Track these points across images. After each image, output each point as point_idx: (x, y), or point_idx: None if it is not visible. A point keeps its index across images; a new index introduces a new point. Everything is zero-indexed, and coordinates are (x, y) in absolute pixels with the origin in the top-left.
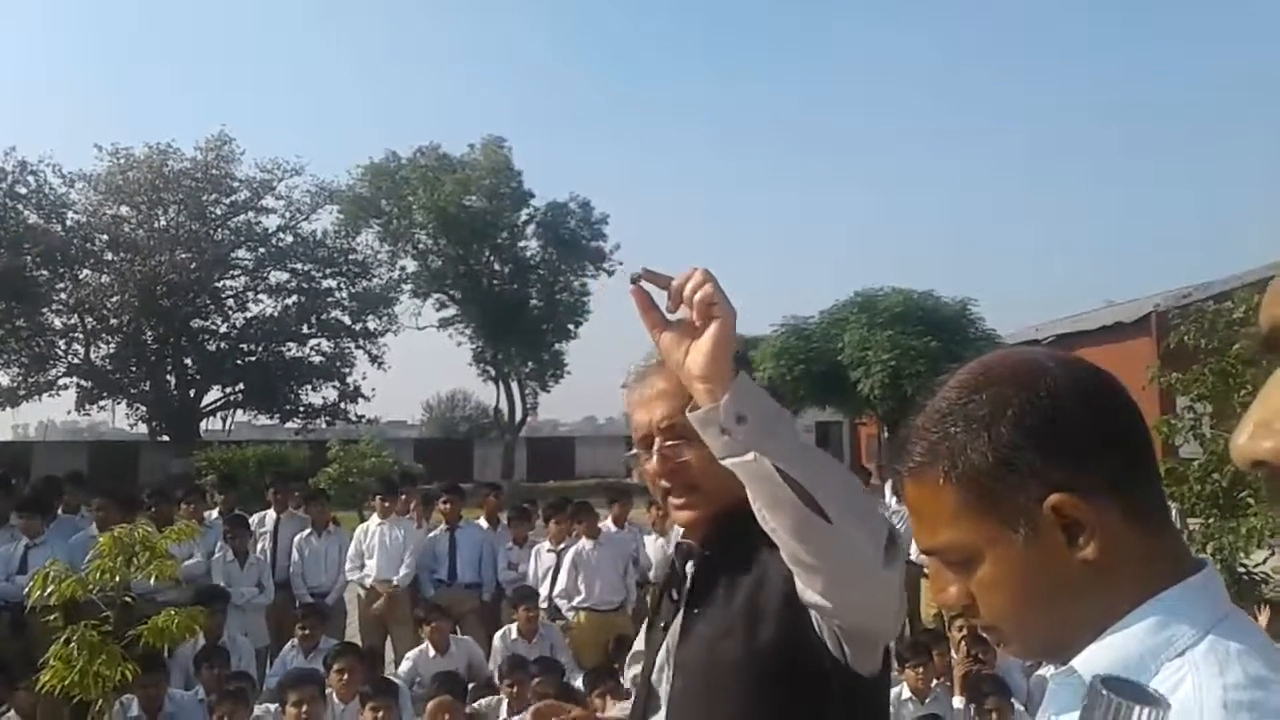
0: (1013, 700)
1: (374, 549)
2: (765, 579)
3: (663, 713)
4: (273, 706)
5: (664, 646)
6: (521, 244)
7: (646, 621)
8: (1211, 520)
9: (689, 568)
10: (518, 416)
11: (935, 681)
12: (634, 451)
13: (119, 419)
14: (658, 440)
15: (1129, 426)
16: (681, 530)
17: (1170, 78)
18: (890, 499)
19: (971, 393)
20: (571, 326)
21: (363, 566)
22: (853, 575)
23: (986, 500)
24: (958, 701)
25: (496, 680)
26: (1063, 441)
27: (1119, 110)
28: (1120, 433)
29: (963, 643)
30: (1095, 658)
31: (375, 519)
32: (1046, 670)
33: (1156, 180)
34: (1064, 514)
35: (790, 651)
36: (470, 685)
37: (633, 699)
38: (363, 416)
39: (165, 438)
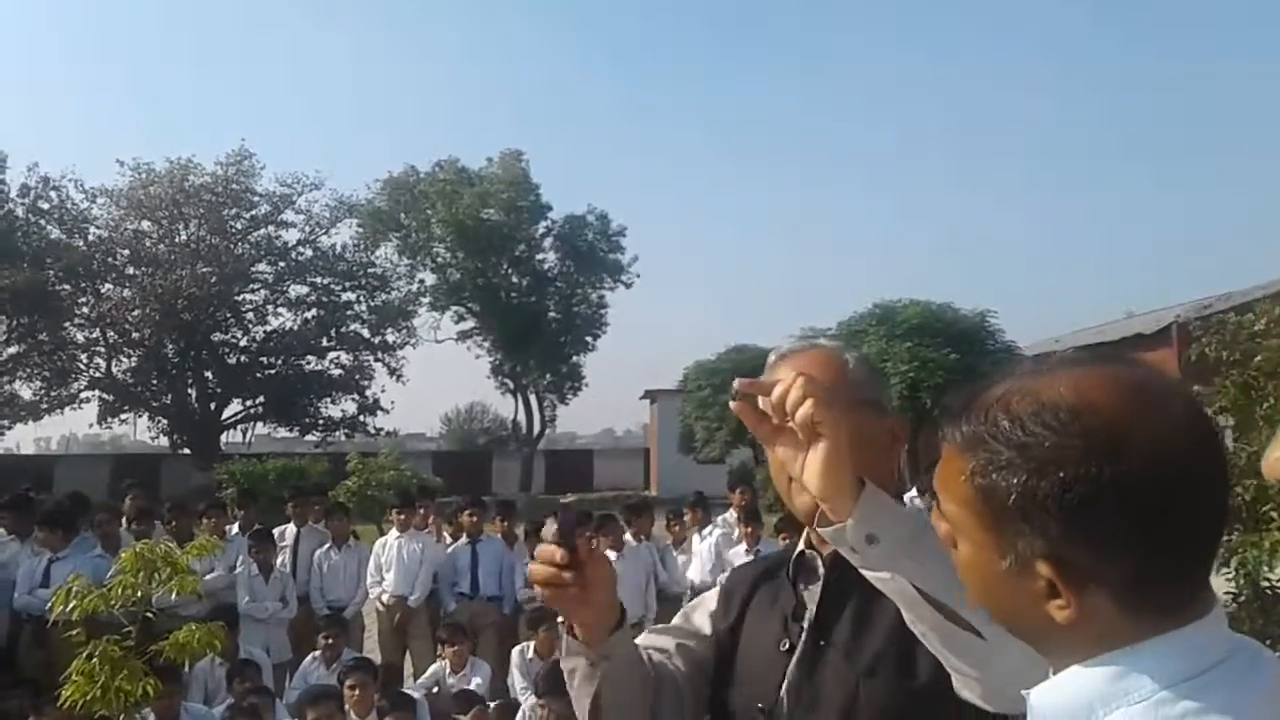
0: None
1: (392, 563)
2: None
3: None
4: None
5: (787, 677)
6: (539, 256)
7: (739, 627)
8: (1235, 535)
9: (814, 585)
10: (536, 429)
11: None
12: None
13: (140, 432)
14: None
15: (1187, 531)
16: (803, 541)
17: (1189, 88)
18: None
19: (1043, 426)
20: (589, 339)
21: (382, 581)
22: (1014, 683)
23: (991, 521)
24: None
25: (515, 693)
26: (1093, 530)
27: (1136, 120)
28: (1168, 541)
29: None
30: (1047, 695)
31: (394, 533)
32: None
33: (1177, 189)
34: (1050, 578)
35: (943, 695)
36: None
37: None
38: (381, 429)
39: (186, 451)
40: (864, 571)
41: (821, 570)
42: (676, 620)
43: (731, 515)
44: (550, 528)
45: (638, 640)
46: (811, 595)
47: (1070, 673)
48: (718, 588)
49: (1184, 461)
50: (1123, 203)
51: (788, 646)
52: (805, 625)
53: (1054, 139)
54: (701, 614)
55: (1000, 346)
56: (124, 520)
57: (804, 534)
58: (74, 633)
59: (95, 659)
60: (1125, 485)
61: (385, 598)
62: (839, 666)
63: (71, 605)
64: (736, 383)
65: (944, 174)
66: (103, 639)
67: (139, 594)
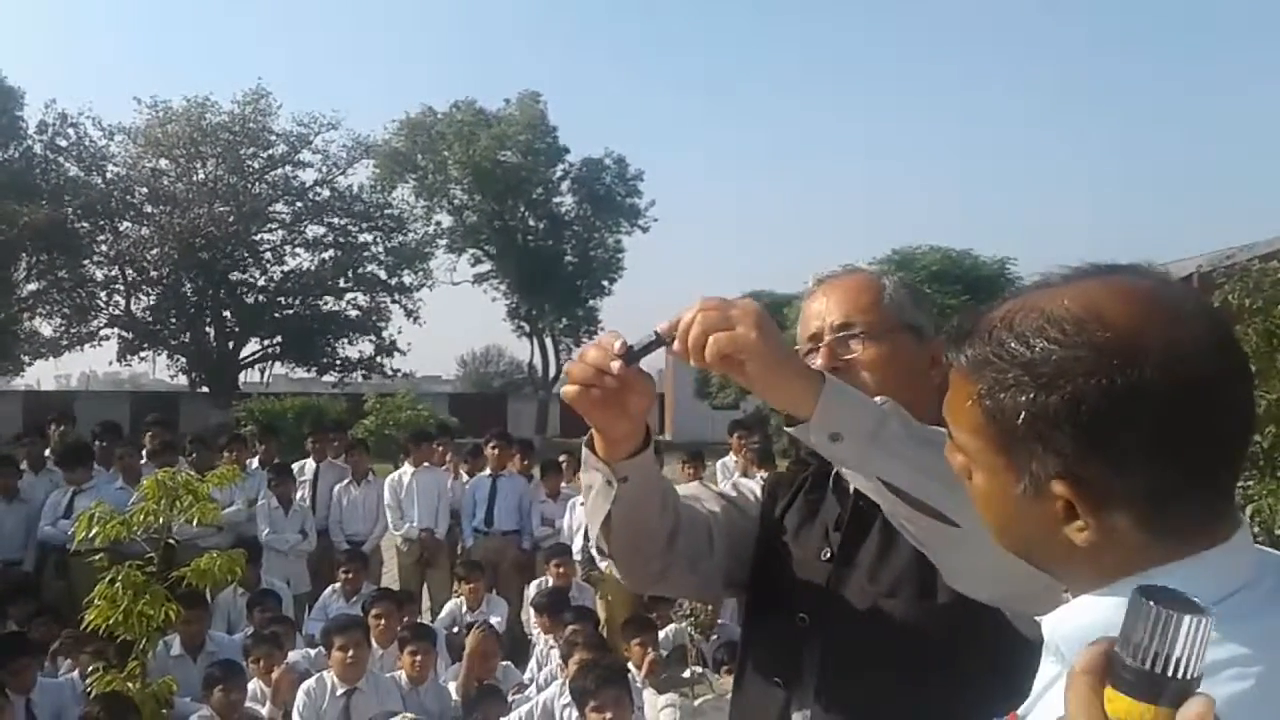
0: None
1: (413, 498)
2: None
3: (815, 663)
4: (311, 651)
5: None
6: (556, 200)
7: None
8: (1251, 482)
9: (848, 502)
10: (551, 372)
11: None
12: (798, 348)
13: (159, 370)
14: (828, 336)
15: (1206, 442)
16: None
17: (1219, 30)
18: None
19: (1050, 340)
20: (606, 283)
21: (403, 516)
22: (997, 575)
23: (1002, 444)
24: None
25: (528, 629)
26: (1106, 445)
27: (1161, 63)
28: (1186, 451)
29: None
30: (1062, 620)
31: (407, 468)
32: None
33: (1198, 138)
34: (1067, 498)
35: (962, 614)
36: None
37: (746, 627)
38: (398, 371)
39: (205, 389)
40: (842, 470)
41: (852, 489)
42: (726, 488)
43: (731, 460)
44: (616, 340)
45: (685, 490)
46: (843, 516)
47: (1084, 599)
48: (759, 480)
49: (1200, 369)
50: (1147, 151)
51: (829, 556)
52: (836, 539)
53: (1079, 86)
54: (748, 493)
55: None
56: (144, 455)
57: None
58: (97, 558)
59: (118, 584)
60: (1140, 395)
61: (407, 530)
62: (863, 585)
63: (94, 532)
64: (659, 326)
65: (966, 117)
66: (125, 564)
67: (160, 521)
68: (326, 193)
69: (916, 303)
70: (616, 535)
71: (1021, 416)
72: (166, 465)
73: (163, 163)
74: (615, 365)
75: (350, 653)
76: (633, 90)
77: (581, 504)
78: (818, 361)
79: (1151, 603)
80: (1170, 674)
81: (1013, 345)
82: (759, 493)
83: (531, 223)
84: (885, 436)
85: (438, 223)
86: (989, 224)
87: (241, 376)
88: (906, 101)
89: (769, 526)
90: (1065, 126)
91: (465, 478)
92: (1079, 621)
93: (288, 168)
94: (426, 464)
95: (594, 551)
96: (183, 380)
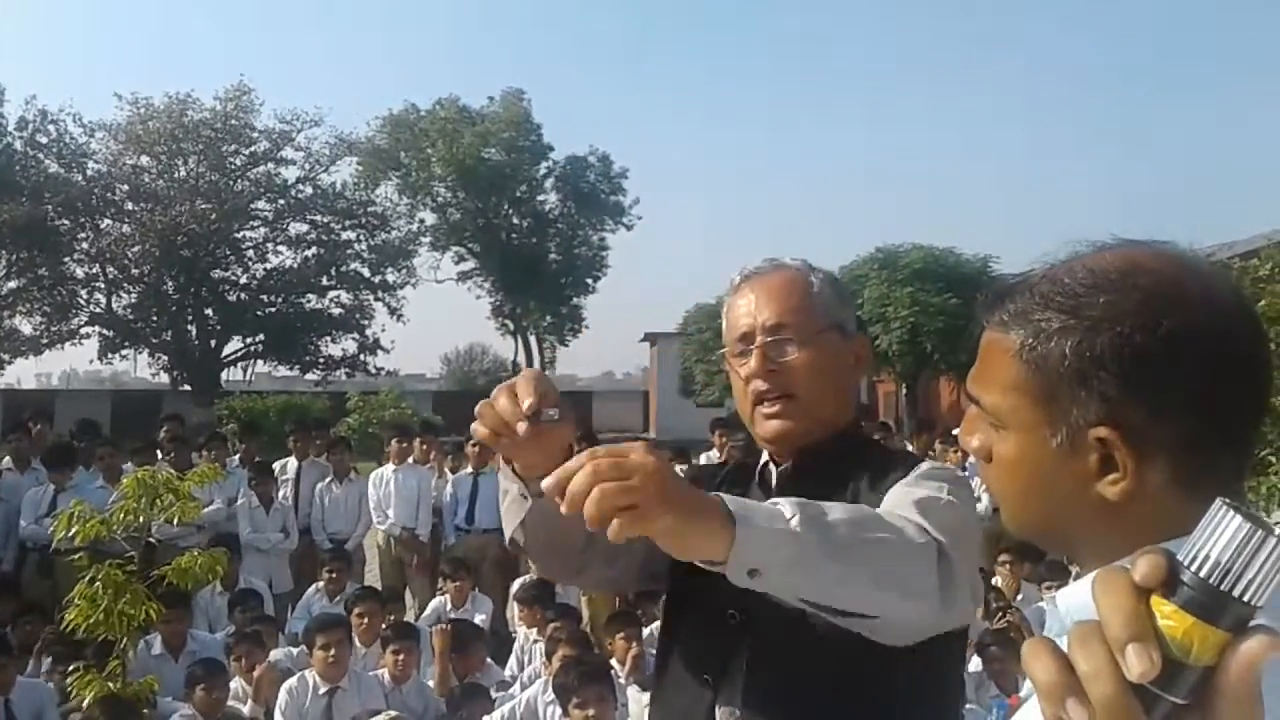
0: None
1: (390, 496)
2: None
3: (744, 661)
4: (294, 650)
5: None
6: (540, 198)
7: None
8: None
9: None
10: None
11: None
12: (724, 350)
13: (141, 368)
14: (759, 338)
15: (1244, 389)
16: (766, 455)
17: (1202, 29)
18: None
19: (1094, 290)
20: (590, 281)
21: (387, 516)
22: (915, 634)
23: (1043, 394)
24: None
25: (513, 627)
26: (1151, 388)
27: (1145, 62)
28: (1223, 402)
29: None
30: (1071, 594)
31: (390, 466)
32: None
33: (1184, 136)
34: (1106, 448)
35: None
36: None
37: (676, 626)
38: (382, 369)
39: (187, 387)
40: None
41: (773, 484)
42: None
43: (715, 456)
44: (528, 398)
45: None
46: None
47: (1092, 575)
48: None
49: (1234, 323)
50: (1129, 151)
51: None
52: None
53: (1066, 87)
54: None
55: None
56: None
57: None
58: (77, 557)
59: (98, 583)
60: (1183, 340)
61: (388, 527)
62: None
63: (74, 530)
64: (544, 484)
65: (949, 117)
66: (105, 563)
67: (140, 520)
68: (309, 190)
69: (841, 300)
70: (531, 539)
71: (1067, 360)
72: (145, 464)
73: (144, 160)
74: (521, 427)
75: (332, 651)
76: (617, 88)
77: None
78: (751, 365)
79: (1239, 515)
80: (1238, 596)
81: (1059, 294)
82: None
83: (515, 220)
84: (805, 558)
85: (421, 220)
86: (971, 222)
87: (224, 375)
88: (892, 102)
89: None
90: (1048, 127)
91: (449, 475)
92: (1087, 593)
93: (270, 165)
94: (410, 461)
95: (507, 544)
96: (164, 379)
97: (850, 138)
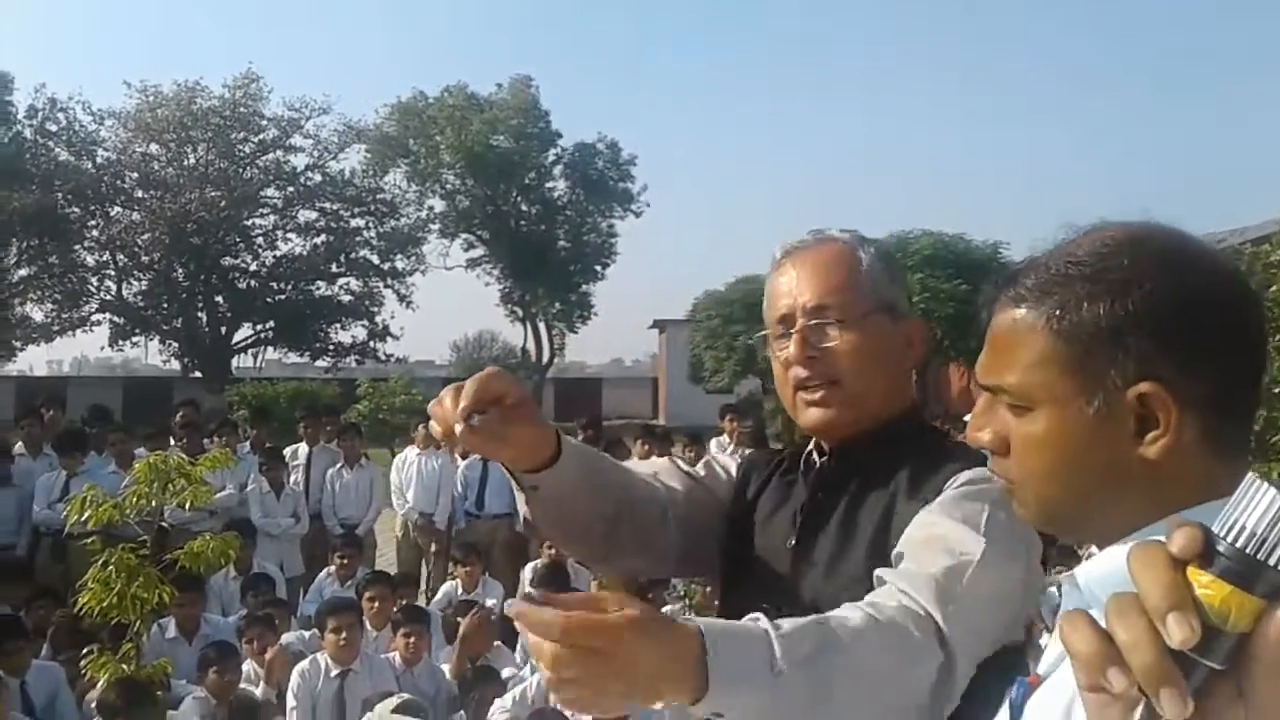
0: None
1: (411, 480)
2: (892, 518)
3: None
4: (306, 633)
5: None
6: (549, 185)
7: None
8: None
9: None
10: (545, 357)
11: None
12: (764, 333)
13: (152, 355)
14: (799, 321)
15: (1251, 350)
16: (812, 444)
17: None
18: None
19: (1113, 255)
20: (599, 268)
21: (406, 499)
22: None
23: (1077, 362)
24: None
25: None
26: (1181, 340)
27: (1154, 47)
28: (1239, 354)
29: None
30: (1092, 568)
31: (413, 450)
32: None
33: (1196, 123)
34: (1146, 405)
35: None
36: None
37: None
38: (391, 355)
39: (198, 374)
40: None
41: (813, 479)
42: (699, 467)
43: (726, 441)
44: (462, 402)
45: (651, 466)
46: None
47: (1114, 547)
48: (736, 458)
49: (1239, 286)
50: (1138, 135)
51: (792, 544)
52: (798, 523)
53: (1077, 71)
54: (720, 471)
55: None
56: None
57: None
58: (90, 542)
59: (111, 566)
60: (1205, 295)
61: (405, 512)
62: (819, 579)
63: (87, 515)
64: (512, 611)
65: (957, 102)
66: (118, 547)
67: (153, 504)
68: (318, 177)
69: (892, 277)
70: (541, 526)
71: (1100, 323)
72: (158, 449)
73: (153, 147)
74: (457, 428)
75: (344, 634)
76: (626, 75)
77: None
78: (790, 350)
79: (1268, 485)
80: (1273, 565)
81: (1078, 264)
82: (733, 471)
83: (524, 207)
84: (778, 710)
85: (430, 207)
86: (981, 209)
87: (234, 362)
88: (902, 88)
89: (740, 508)
90: (1059, 114)
91: (459, 461)
92: (1113, 564)
93: (279, 152)
94: (431, 446)
95: (521, 526)
96: (175, 365)
97: (859, 124)
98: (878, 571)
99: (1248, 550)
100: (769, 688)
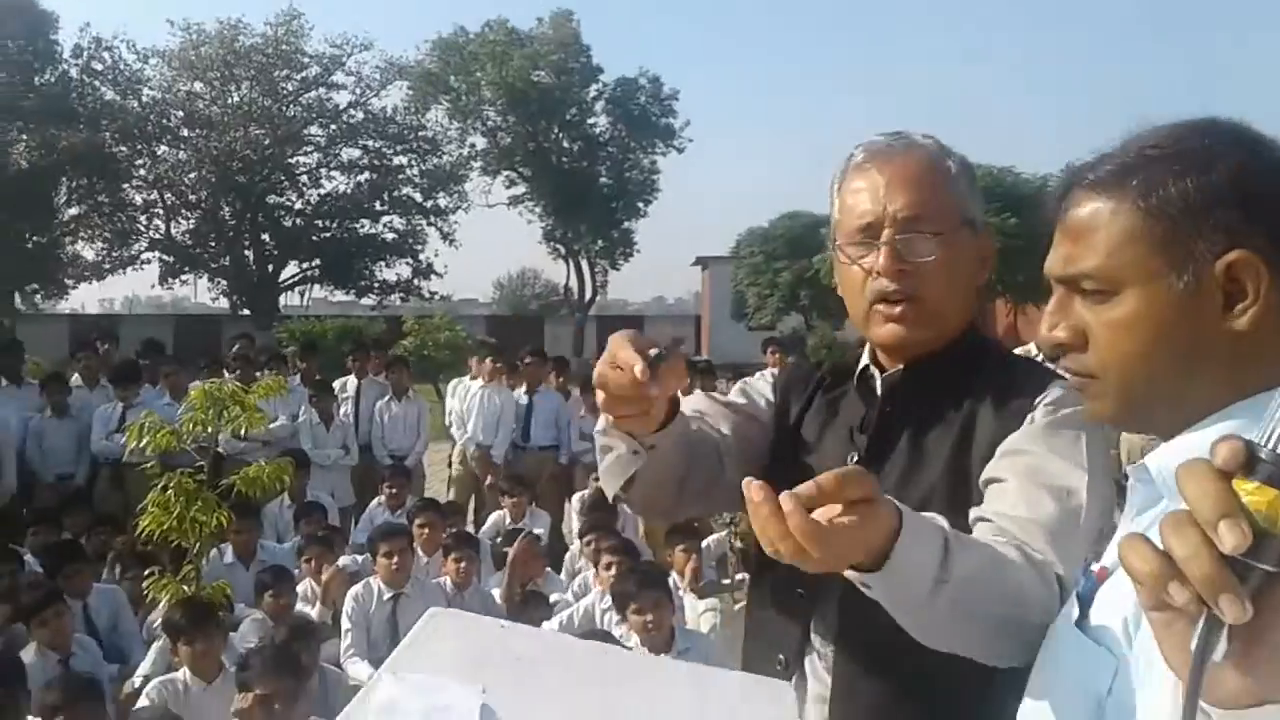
0: None
1: (472, 410)
2: (972, 435)
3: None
4: (359, 557)
5: None
6: (590, 121)
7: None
8: None
9: (873, 410)
10: (587, 294)
11: None
12: (839, 244)
13: (200, 294)
14: (887, 231)
15: None
16: (866, 355)
17: None
18: None
19: (1191, 136)
20: (641, 204)
21: (465, 427)
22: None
23: (1165, 238)
24: None
25: (571, 541)
26: (1268, 209)
27: None
28: None
29: None
30: (1165, 455)
31: (477, 382)
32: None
33: (1249, 47)
34: (1234, 276)
35: None
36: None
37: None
38: (435, 293)
39: (246, 312)
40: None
41: (879, 392)
42: (734, 395)
43: (769, 374)
44: (637, 363)
45: (691, 404)
46: (869, 419)
47: (1185, 435)
48: (769, 377)
49: None
50: (1196, 64)
51: (855, 460)
52: (863, 443)
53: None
54: (758, 396)
55: None
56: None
57: (867, 348)
58: (149, 466)
59: (170, 491)
60: (1277, 166)
61: (464, 441)
62: (890, 496)
63: (145, 441)
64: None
65: (1007, 35)
66: (177, 471)
67: (209, 430)
68: (360, 115)
69: (974, 189)
70: (637, 495)
71: (1190, 198)
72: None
73: (197, 86)
74: (654, 391)
75: (395, 559)
76: (668, 9)
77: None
78: (880, 261)
79: None
80: None
81: (1159, 147)
82: (770, 394)
83: (566, 144)
84: (923, 611)
85: (472, 145)
86: (1031, 140)
87: (281, 300)
88: (954, 19)
89: (783, 430)
90: (1111, 43)
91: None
92: (1180, 451)
93: (321, 90)
94: (496, 381)
95: (609, 499)
96: (224, 304)
97: (906, 55)
98: (979, 510)
99: None
100: (927, 592)
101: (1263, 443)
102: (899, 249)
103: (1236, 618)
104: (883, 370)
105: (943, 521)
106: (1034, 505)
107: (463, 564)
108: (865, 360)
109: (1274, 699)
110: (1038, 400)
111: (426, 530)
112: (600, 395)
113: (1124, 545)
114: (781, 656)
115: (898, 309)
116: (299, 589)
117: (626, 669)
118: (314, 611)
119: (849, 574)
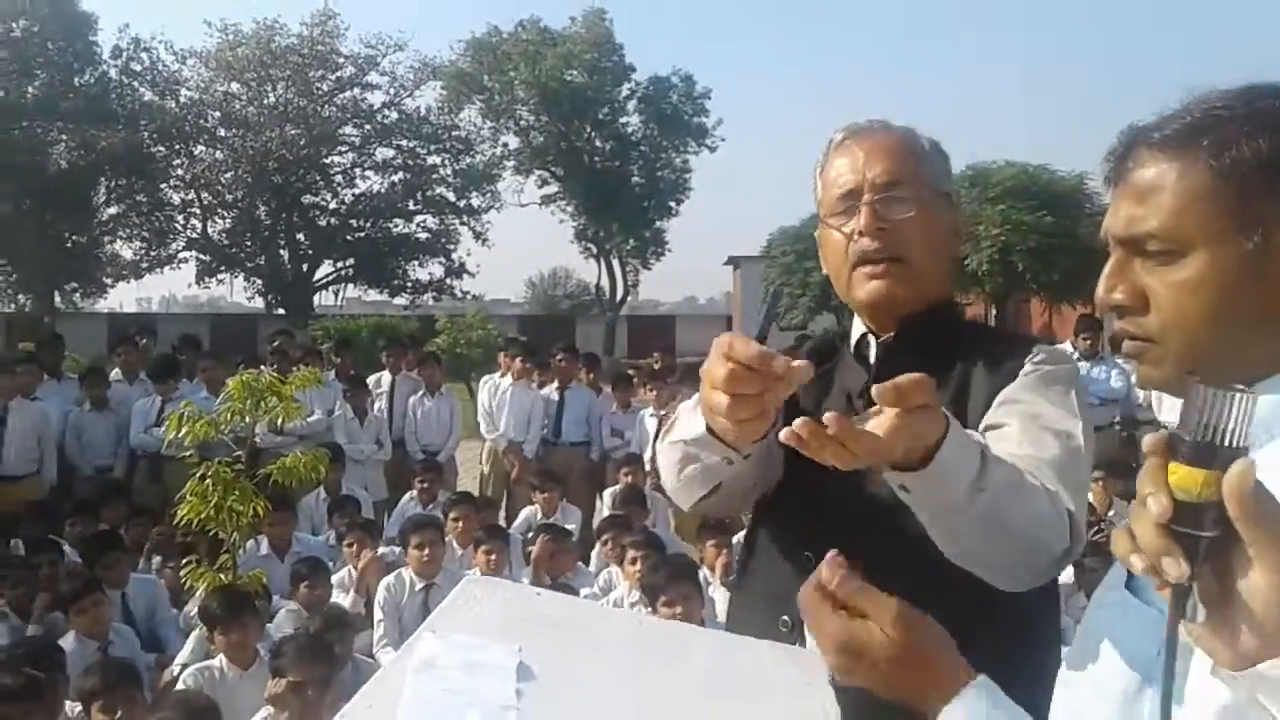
0: None
1: (504, 407)
2: (968, 392)
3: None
4: (396, 548)
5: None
6: (623, 120)
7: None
8: None
9: (871, 370)
10: (619, 294)
11: None
12: (823, 217)
13: (236, 293)
14: (868, 195)
15: None
16: (861, 328)
17: None
18: None
19: (1261, 97)
20: (673, 204)
21: (497, 424)
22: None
23: (1235, 197)
24: None
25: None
26: None
27: None
28: None
29: None
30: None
31: (508, 379)
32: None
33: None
34: None
35: None
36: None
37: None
38: (468, 293)
39: (281, 311)
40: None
41: (873, 360)
42: None
43: None
44: (749, 343)
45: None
46: (867, 385)
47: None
48: None
49: None
50: (1225, 60)
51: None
52: (857, 405)
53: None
54: None
55: (1098, 210)
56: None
57: (856, 321)
58: (187, 454)
59: (208, 480)
60: None
61: (495, 439)
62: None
63: (184, 431)
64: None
65: (1046, 33)
66: (215, 461)
67: (246, 420)
68: (394, 115)
69: (947, 167)
70: (711, 501)
71: (1263, 158)
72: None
73: (234, 86)
74: (799, 364)
75: (426, 550)
76: (700, 7)
77: (651, 415)
78: (861, 221)
79: (1205, 385)
80: (1222, 443)
81: (1227, 109)
82: None
83: (598, 143)
84: (957, 514)
85: (504, 144)
86: (1066, 138)
87: (316, 299)
88: (988, 18)
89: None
90: (1147, 38)
91: (536, 391)
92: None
93: (356, 90)
94: (525, 380)
95: (686, 509)
96: (259, 303)
97: (940, 55)
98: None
99: (1196, 436)
100: (966, 497)
101: (1178, 430)
102: (878, 209)
103: (1177, 576)
104: (878, 337)
105: (979, 436)
106: (1039, 445)
107: (493, 556)
108: (860, 330)
109: (1263, 656)
110: (1026, 359)
111: (461, 523)
112: (715, 399)
113: (1114, 536)
114: (786, 618)
115: (880, 267)
116: (336, 577)
117: (657, 635)
118: (348, 600)
119: (889, 475)
